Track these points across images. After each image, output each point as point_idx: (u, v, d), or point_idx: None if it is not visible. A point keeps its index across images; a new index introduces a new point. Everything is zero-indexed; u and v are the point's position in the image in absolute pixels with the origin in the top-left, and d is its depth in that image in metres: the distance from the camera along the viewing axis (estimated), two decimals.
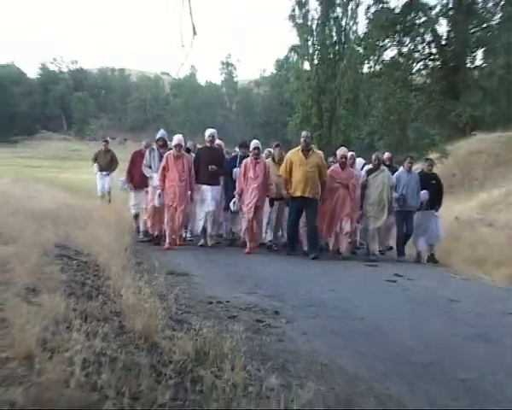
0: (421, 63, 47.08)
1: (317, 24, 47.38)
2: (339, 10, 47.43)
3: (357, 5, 47.04)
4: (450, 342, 8.98)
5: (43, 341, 5.22)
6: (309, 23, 47.56)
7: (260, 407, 5.15)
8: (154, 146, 17.26)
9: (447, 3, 44.63)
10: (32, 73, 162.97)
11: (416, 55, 46.73)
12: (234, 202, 16.72)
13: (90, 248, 10.88)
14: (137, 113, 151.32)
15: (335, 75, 44.66)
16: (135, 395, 4.79)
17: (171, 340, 6.65)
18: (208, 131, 17.88)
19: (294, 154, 16.38)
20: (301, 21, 47.43)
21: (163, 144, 17.08)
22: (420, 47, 46.45)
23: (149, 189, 17.18)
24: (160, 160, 16.62)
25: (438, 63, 45.09)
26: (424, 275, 14.73)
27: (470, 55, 45.42)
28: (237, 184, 16.74)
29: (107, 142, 25.34)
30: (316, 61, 48.13)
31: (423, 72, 47.03)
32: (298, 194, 15.93)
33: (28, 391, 4.24)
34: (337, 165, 16.83)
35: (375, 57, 47.11)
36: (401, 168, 17.56)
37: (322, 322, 9.43)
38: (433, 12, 45.04)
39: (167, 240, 16.25)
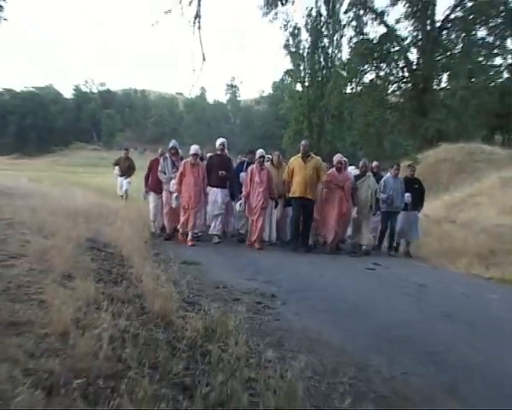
0: (395, 85, 47.08)
1: (308, 52, 47.36)
2: (326, 40, 47.42)
3: (341, 36, 47.06)
4: (419, 320, 8.99)
5: (77, 320, 5.26)
6: (301, 51, 47.55)
7: (260, 376, 5.18)
8: (167, 154, 16.99)
9: (417, 35, 44.69)
10: (67, 93, 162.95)
11: (391, 78, 46.72)
12: (240, 204, 16.47)
13: (115, 241, 10.88)
14: (156, 127, 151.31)
15: (323, 95, 44.60)
16: (153, 366, 4.83)
17: (183, 319, 6.68)
18: (219, 140, 17.72)
19: (295, 160, 16.42)
20: (294, 50, 47.41)
21: (175, 153, 16.88)
22: (394, 71, 46.46)
23: (164, 193, 16.83)
24: (173, 166, 16.57)
25: (409, 85, 45.10)
26: (398, 265, 14.73)
27: (436, 78, 45.49)
28: (244, 188, 16.51)
29: (127, 150, 25.42)
30: (306, 83, 48.09)
31: (397, 92, 47.00)
32: (298, 194, 15.90)
33: (64, 362, 4.27)
34: (334, 169, 16.68)
35: (357, 80, 47.14)
36: (388, 174, 17.44)
37: (312, 303, 9.43)
38: (405, 42, 45.15)
39: (189, 236, 15.85)
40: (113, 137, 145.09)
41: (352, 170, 18.99)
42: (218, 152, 17.34)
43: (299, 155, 16.38)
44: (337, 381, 5.58)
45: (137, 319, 6.15)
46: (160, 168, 16.69)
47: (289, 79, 54.14)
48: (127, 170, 24.08)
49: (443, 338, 8.03)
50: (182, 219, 15.97)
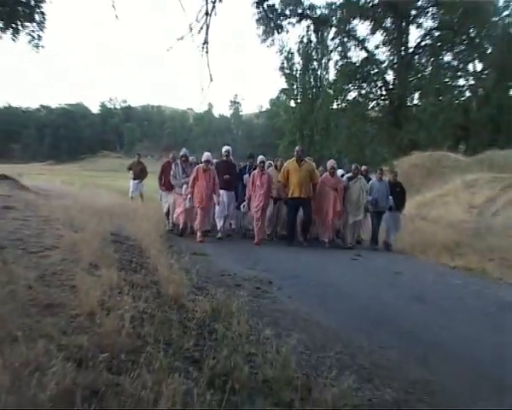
0: (374, 102, 47.04)
1: (300, 73, 47.23)
2: (315, 63, 47.30)
3: (329, 60, 46.98)
4: (395, 302, 9.03)
5: (102, 302, 5.28)
6: (294, 72, 47.39)
7: (259, 351, 5.19)
8: (178, 161, 16.53)
9: (393, 59, 44.71)
10: (95, 109, 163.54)
11: (371, 96, 46.67)
12: (243, 205, 16.20)
13: (135, 235, 10.90)
14: (169, 137, 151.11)
15: (313, 110, 44.48)
16: (168, 342, 4.83)
17: (193, 302, 6.70)
18: (224, 148, 17.17)
19: (290, 163, 16.10)
20: (288, 71, 47.25)
21: (185, 160, 16.43)
22: (373, 90, 46.40)
23: (175, 195, 16.38)
24: (183, 172, 16.21)
25: (386, 102, 45.07)
26: (377, 255, 14.71)
27: (409, 96, 45.52)
28: (246, 191, 16.14)
29: (139, 155, 25.24)
30: (299, 100, 47.97)
31: (376, 108, 46.97)
32: (295, 195, 15.56)
33: (91, 339, 4.29)
34: (327, 173, 16.40)
35: (342, 97, 47.10)
36: (374, 178, 17.07)
37: (303, 288, 9.46)
38: (383, 65, 45.18)
39: (199, 234, 15.20)
40: (133, 147, 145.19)
41: (339, 173, 18.03)
42: (224, 158, 16.90)
43: (294, 159, 16.13)
44: (325, 355, 5.59)
45: (154, 301, 6.17)
46: (172, 173, 16.37)
47: (284, 97, 53.91)
48: (140, 173, 23.52)
49: (415, 317, 8.09)
50: (199, 220, 15.38)
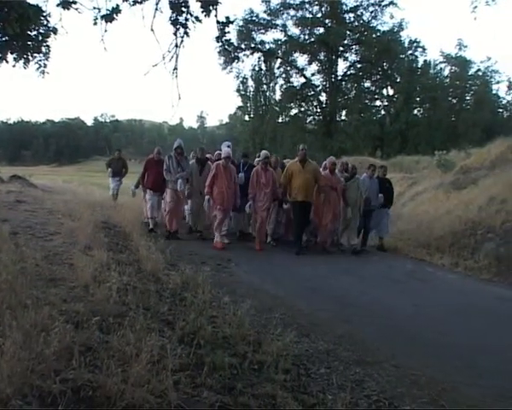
0: (311, 117, 47.36)
1: (252, 94, 47.36)
2: (265, 87, 47.60)
3: (275, 84, 47.26)
4: (327, 274, 9.10)
5: (95, 276, 5.26)
6: (248, 93, 47.51)
7: (219, 314, 5.21)
8: (172, 154, 12.29)
9: (325, 84, 45.16)
10: (89, 122, 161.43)
11: (309, 112, 46.99)
12: (249, 205, 11.89)
13: (121, 223, 10.80)
14: (148, 145, 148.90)
15: (263, 123, 44.59)
16: (147, 308, 4.84)
17: (167, 276, 6.70)
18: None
19: (293, 164, 12.30)
20: (243, 92, 47.30)
21: (180, 152, 12.31)
22: (310, 108, 46.73)
23: (168, 191, 12.31)
24: (178, 166, 12.15)
25: (320, 117, 45.37)
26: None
27: (338, 113, 46.08)
28: (250, 189, 11.99)
29: (120, 151, 18.93)
30: (252, 115, 48.16)
31: (312, 122, 47.27)
32: (300, 198, 11.70)
33: (86, 305, 4.27)
34: (327, 171, 12.40)
35: (285, 113, 47.41)
36: (364, 174, 13.16)
37: (256, 264, 9.48)
38: (318, 89, 45.72)
39: (217, 239, 11.49)
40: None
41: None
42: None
43: (297, 159, 12.32)
44: (272, 316, 5.63)
45: (136, 276, 6.16)
46: (165, 167, 12.27)
47: (240, 113, 53.88)
48: (120, 170, 17.72)
49: (343, 287, 8.16)
50: (218, 221, 11.67)
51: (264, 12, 44.10)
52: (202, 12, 6.43)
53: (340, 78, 45.66)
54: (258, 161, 12.93)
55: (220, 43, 7.11)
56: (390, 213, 13.24)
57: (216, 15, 6.54)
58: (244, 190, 12.16)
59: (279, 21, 44.58)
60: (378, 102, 48.20)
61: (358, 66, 45.59)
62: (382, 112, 48.10)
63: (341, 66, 46.45)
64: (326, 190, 12.07)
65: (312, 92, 46.12)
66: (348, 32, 44.20)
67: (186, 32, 6.56)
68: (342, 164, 13.80)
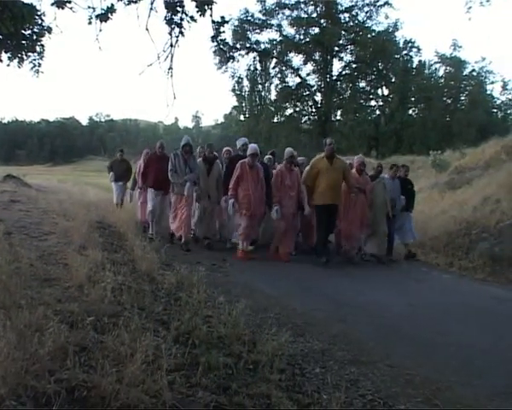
0: (306, 117, 47.50)
1: (248, 94, 47.40)
2: (260, 86, 47.65)
3: (270, 84, 47.33)
4: (322, 275, 9.11)
5: (89, 276, 5.25)
6: (243, 93, 47.56)
7: (214, 314, 5.22)
8: (179, 152, 10.85)
9: (321, 84, 45.32)
10: (84, 121, 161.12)
11: (304, 112, 47.14)
12: (277, 211, 10.13)
13: (116, 223, 10.78)
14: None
15: (258, 123, 44.60)
16: (141, 307, 4.83)
17: (162, 276, 6.70)
18: (241, 141, 11.58)
19: (319, 161, 10.51)
20: (238, 92, 47.31)
21: (188, 150, 10.83)
22: (306, 108, 46.86)
23: (171, 195, 11.12)
24: (185, 165, 10.71)
25: (316, 117, 45.50)
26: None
27: (333, 113, 46.27)
28: (275, 192, 10.35)
29: (122, 152, 16.41)
30: (247, 115, 48.23)
31: (307, 122, 47.39)
32: (327, 201, 10.06)
33: (81, 305, 4.27)
34: (354, 171, 10.87)
35: (280, 113, 47.51)
36: (386, 175, 11.68)
37: (249, 264, 9.46)
38: (313, 89, 45.90)
39: (240, 246, 10.14)
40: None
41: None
42: (241, 153, 11.20)
43: (323, 155, 10.54)
44: (267, 316, 5.65)
45: (130, 275, 6.15)
46: (170, 167, 10.78)
47: (235, 112, 53.96)
48: (124, 173, 15.51)
49: (338, 287, 8.16)
50: (243, 229, 10.14)
51: (260, 12, 44.29)
52: (197, 11, 6.44)
53: (335, 78, 45.86)
54: (268, 159, 12.07)
55: (215, 43, 7.11)
56: (412, 216, 11.96)
57: (211, 15, 6.55)
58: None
59: (274, 21, 44.78)
60: (373, 102, 48.49)
61: (353, 66, 45.83)
62: (377, 112, 48.31)
63: (336, 66, 46.78)
64: (356, 192, 10.51)
65: (307, 92, 46.28)
66: (343, 32, 44.37)
67: (181, 32, 6.56)
68: (379, 165, 12.18)
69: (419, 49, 45.81)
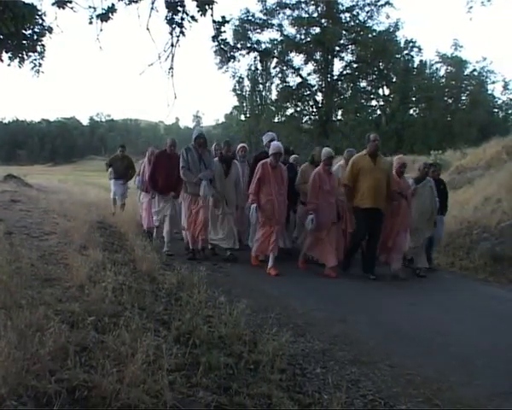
0: (307, 117, 47.35)
1: (248, 94, 47.39)
2: (261, 86, 47.66)
3: (271, 83, 47.31)
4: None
5: (90, 276, 5.26)
6: (244, 93, 47.55)
7: (215, 314, 5.22)
8: (191, 145, 9.37)
9: (321, 84, 45.21)
10: (85, 121, 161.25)
11: (304, 112, 47.02)
12: (312, 220, 8.82)
13: (116, 223, 10.80)
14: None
15: (259, 123, 44.52)
16: (142, 307, 4.83)
17: (163, 276, 6.73)
18: (268, 136, 10.65)
19: (361, 158, 9.11)
20: (239, 92, 47.28)
21: (203, 142, 9.35)
22: (306, 108, 46.73)
23: (184, 196, 9.60)
24: (200, 160, 9.24)
25: (316, 117, 45.40)
26: None
27: (334, 113, 46.18)
28: (310, 199, 9.06)
29: (123, 148, 14.95)
30: (248, 115, 48.23)
31: (308, 122, 47.30)
32: (368, 205, 8.76)
33: (81, 305, 4.27)
34: (394, 173, 9.26)
35: (281, 113, 47.43)
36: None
37: (248, 265, 9.42)
38: (314, 88, 45.72)
39: (270, 262, 8.78)
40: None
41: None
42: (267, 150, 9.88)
43: (366, 152, 9.16)
44: (267, 316, 5.63)
45: (131, 275, 6.17)
46: (182, 164, 9.25)
47: (236, 112, 53.95)
48: (126, 171, 14.01)
49: (338, 287, 8.15)
50: (259, 237, 9.05)
51: (260, 11, 44.13)
52: (198, 11, 6.44)
53: (335, 77, 45.73)
54: (294, 159, 11.15)
55: (216, 43, 7.12)
56: (444, 220, 10.82)
57: (212, 15, 6.56)
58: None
59: (275, 21, 44.59)
60: (374, 102, 48.28)
61: (354, 65, 45.66)
62: (378, 112, 48.15)
63: (337, 65, 46.51)
64: (397, 198, 9.14)
65: (308, 92, 46.18)
66: (344, 32, 44.19)
67: (182, 32, 6.57)
68: (426, 166, 10.34)
69: (420, 49, 45.72)
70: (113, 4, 6.36)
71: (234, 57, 44.30)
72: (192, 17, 6.54)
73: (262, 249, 9.08)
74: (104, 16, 6.36)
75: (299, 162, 11.25)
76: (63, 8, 6.61)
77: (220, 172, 9.61)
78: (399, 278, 9.03)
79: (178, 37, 6.59)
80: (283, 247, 9.93)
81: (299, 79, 46.23)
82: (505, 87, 47.57)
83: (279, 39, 44.80)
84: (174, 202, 10.15)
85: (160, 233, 10.26)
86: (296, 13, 44.11)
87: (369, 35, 42.77)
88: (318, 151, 9.86)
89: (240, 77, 47.33)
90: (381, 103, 48.01)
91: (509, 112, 48.50)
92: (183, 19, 6.55)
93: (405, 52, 45.33)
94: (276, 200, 8.80)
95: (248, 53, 45.11)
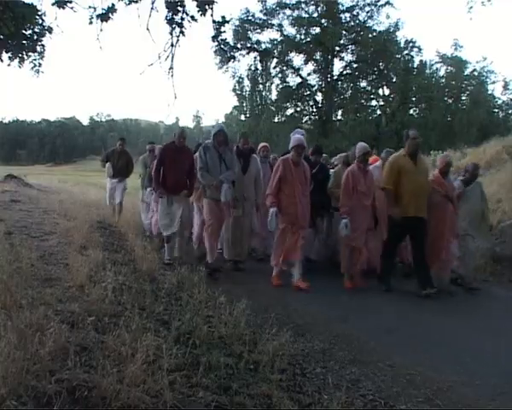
0: (307, 117, 47.35)
1: (248, 94, 47.31)
2: (261, 86, 47.60)
3: (271, 83, 47.24)
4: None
5: (90, 276, 5.28)
6: (244, 93, 47.47)
7: (215, 314, 5.22)
8: (209, 143, 8.17)
9: (321, 84, 45.22)
10: (85, 121, 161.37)
11: (305, 112, 47.01)
12: (346, 224, 7.62)
13: (116, 223, 10.80)
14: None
15: (259, 123, 44.49)
16: (142, 307, 4.83)
17: (163, 276, 6.76)
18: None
19: (401, 159, 7.82)
20: (239, 92, 47.21)
21: (223, 141, 8.06)
22: (306, 108, 46.72)
23: (206, 203, 8.16)
24: (220, 160, 8.01)
25: (316, 117, 45.40)
26: None
27: (334, 113, 46.19)
28: (344, 201, 7.84)
29: (123, 140, 13.58)
30: (248, 115, 48.20)
31: (308, 122, 47.26)
32: (411, 213, 7.54)
33: (82, 305, 4.28)
34: (437, 173, 8.21)
35: (281, 113, 47.40)
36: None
37: (252, 265, 9.40)
38: (314, 88, 45.63)
39: (296, 274, 7.59)
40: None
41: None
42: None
43: (405, 152, 7.86)
44: (268, 316, 5.62)
45: (131, 275, 6.16)
46: (200, 164, 8.03)
47: (236, 112, 53.91)
48: (123, 169, 12.68)
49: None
50: (278, 247, 7.82)
51: (261, 11, 44.12)
52: (198, 11, 6.45)
53: (336, 77, 45.71)
54: (325, 158, 10.41)
55: (216, 43, 7.12)
56: None
57: (212, 15, 6.56)
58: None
59: (275, 21, 44.58)
60: (374, 102, 48.19)
61: (354, 66, 45.63)
62: (378, 112, 48.07)
63: (337, 65, 46.47)
64: (440, 202, 7.94)
65: (308, 92, 46.16)
66: (344, 32, 44.20)
67: (182, 32, 6.57)
68: (475, 167, 8.90)
69: (420, 49, 45.67)
70: (113, 4, 6.36)
71: (234, 57, 44.27)
72: (192, 17, 6.55)
73: (286, 255, 7.74)
74: (104, 16, 6.36)
75: (329, 162, 10.72)
76: (63, 8, 6.60)
77: (237, 169, 8.47)
78: (450, 291, 7.94)
79: (178, 37, 6.59)
80: (309, 257, 8.88)
81: (299, 79, 46.22)
82: (505, 87, 47.57)
83: (279, 39, 44.78)
84: (187, 203, 8.86)
85: (172, 245, 8.63)
86: (296, 13, 44.10)
87: (369, 35, 42.76)
88: (352, 152, 8.68)
89: (240, 77, 47.30)
90: (381, 103, 47.94)
91: (510, 112, 48.47)
92: (183, 19, 6.56)
93: (405, 52, 45.28)
94: (298, 202, 7.61)
95: (248, 53, 45.09)
